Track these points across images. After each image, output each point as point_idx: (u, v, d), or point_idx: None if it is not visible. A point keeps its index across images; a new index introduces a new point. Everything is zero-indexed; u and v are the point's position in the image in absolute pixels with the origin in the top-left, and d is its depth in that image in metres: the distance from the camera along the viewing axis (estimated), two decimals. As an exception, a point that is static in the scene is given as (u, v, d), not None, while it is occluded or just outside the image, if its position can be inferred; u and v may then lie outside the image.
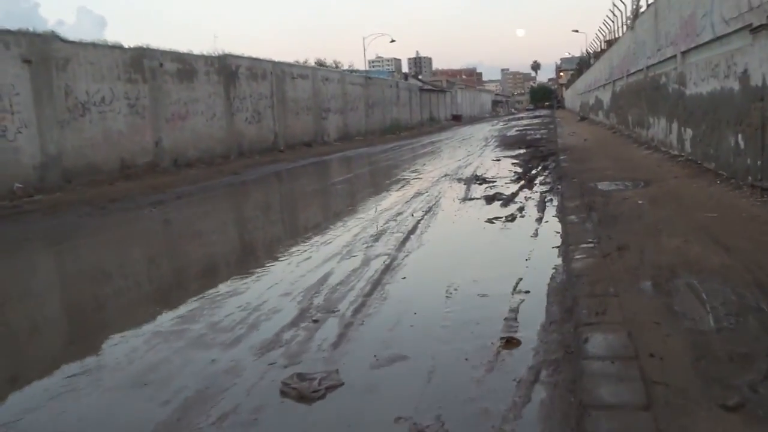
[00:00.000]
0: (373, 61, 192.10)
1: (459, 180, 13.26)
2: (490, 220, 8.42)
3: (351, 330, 4.51)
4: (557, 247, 6.56)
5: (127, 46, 17.72)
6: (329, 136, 31.82)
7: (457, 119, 65.63)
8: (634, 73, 18.72)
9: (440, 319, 4.63)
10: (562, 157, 15.54)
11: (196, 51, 21.31)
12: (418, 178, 14.41)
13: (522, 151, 20.02)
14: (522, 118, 65.72)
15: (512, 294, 5.07)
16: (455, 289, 5.31)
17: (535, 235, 7.41)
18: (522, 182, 12.17)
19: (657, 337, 3.56)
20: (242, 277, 6.30)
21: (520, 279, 5.44)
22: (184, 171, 18.78)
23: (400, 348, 4.10)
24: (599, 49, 35.91)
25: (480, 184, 12.44)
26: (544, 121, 50.45)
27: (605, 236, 6.22)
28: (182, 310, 5.29)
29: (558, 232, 7.28)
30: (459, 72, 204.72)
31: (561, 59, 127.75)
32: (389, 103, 43.62)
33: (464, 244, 7.38)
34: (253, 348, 4.28)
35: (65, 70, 15.10)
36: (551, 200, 9.72)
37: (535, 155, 17.80)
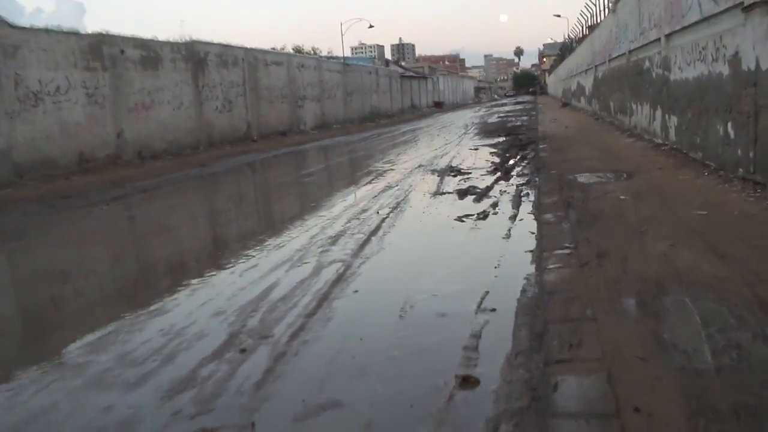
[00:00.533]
0: (355, 48, 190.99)
1: (433, 171, 12.54)
2: (460, 219, 7.72)
3: (282, 363, 3.79)
4: (531, 251, 5.87)
5: (84, 32, 16.76)
6: (306, 125, 30.98)
7: (439, 106, 64.87)
8: (616, 57, 18.07)
9: (389, 347, 3.93)
10: (541, 146, 14.88)
11: (162, 37, 20.39)
12: (391, 169, 13.69)
13: (501, 139, 19.34)
14: (504, 104, 65.10)
15: (476, 313, 4.38)
16: (411, 307, 4.61)
17: (508, 236, 6.72)
18: (498, 174, 11.49)
19: (643, 381, 2.88)
20: (175, 291, 5.55)
21: (487, 293, 4.75)
22: (148, 164, 17.93)
23: (335, 390, 3.39)
24: (581, 34, 35.26)
25: (454, 175, 11.74)
26: (526, 107, 49.85)
27: (583, 240, 5.55)
28: (95, 335, 4.54)
29: (533, 233, 6.60)
30: (442, 58, 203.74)
31: (544, 45, 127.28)
32: (368, 91, 42.76)
33: (429, 248, 6.67)
34: (160, 389, 3.55)
35: (14, 58, 14.17)
36: (527, 194, 9.04)
37: (514, 144, 17.13)
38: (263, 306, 4.87)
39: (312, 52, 49.39)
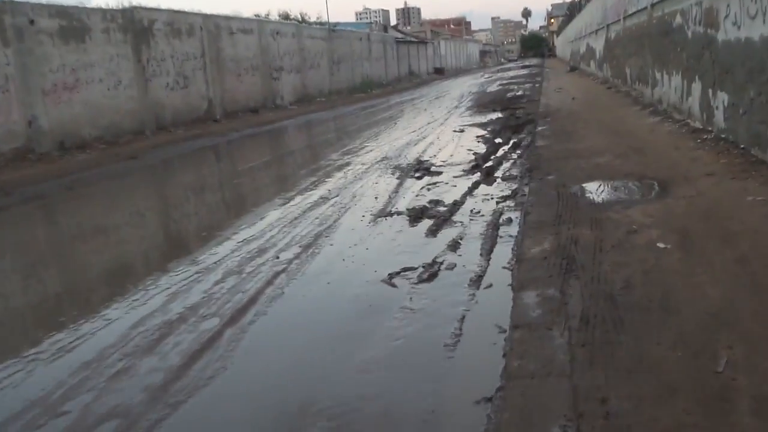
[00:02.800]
0: (360, 13, 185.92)
1: (395, 169, 9.49)
2: (391, 280, 4.67)
3: None
4: (488, 400, 2.82)
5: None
6: (283, 99, 27.76)
7: (440, 72, 61.20)
8: (633, 14, 14.73)
9: None
10: (540, 128, 11.72)
11: (92, 3, 17.19)
12: (347, 164, 10.66)
13: (495, 116, 16.14)
14: (510, 69, 61.32)
15: None
16: None
17: (457, 337, 3.68)
18: (477, 175, 8.41)
19: None
20: None
21: None
22: (70, 156, 14.89)
23: None
24: (590, -10, 31.54)
25: (419, 177, 8.71)
26: (531, 72, 46.21)
27: (595, 397, 2.47)
28: None
29: (500, 329, 3.55)
30: (447, 22, 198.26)
31: (552, 5, 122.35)
32: (359, 58, 39.31)
33: (309, 365, 3.63)
34: None
35: None
36: (509, 221, 5.96)
37: (509, 123, 13.94)
38: None
39: (300, 19, 45.69)
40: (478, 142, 11.73)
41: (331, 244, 5.89)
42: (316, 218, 6.92)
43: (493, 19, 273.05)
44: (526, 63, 75.35)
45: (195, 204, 9.24)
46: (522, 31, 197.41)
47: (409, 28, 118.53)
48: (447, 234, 5.80)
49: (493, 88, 30.35)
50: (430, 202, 7.08)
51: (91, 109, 16.32)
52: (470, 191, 7.47)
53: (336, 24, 43.28)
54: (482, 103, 21.05)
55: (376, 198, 7.63)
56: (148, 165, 13.52)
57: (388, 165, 10.03)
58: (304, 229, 6.50)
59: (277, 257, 5.59)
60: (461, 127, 14.32)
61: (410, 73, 52.86)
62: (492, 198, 7.03)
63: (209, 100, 21.73)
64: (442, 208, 6.74)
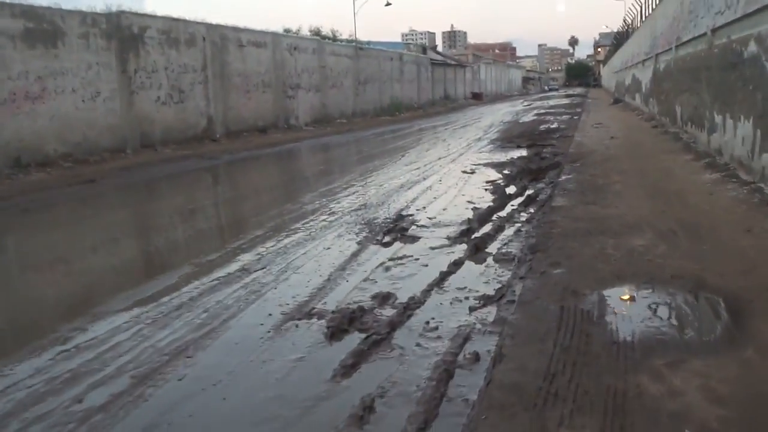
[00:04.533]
0: (406, 35, 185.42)
1: (364, 227, 7.25)
2: None
3: None
4: None
5: None
6: (298, 119, 25.76)
7: (478, 98, 58.86)
8: (689, 41, 12.24)
9: None
10: (565, 177, 9.28)
11: (76, 5, 15.42)
12: (313, 211, 8.48)
13: (518, 154, 13.75)
14: (550, 97, 58.70)
15: None
16: None
17: None
18: (463, 247, 6.05)
19: None
20: None
21: None
22: (23, 175, 12.98)
23: None
24: (640, 17, 28.96)
25: (388, 243, 6.46)
26: (573, 102, 43.66)
27: None
28: None
29: None
30: (492, 47, 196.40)
31: (600, 34, 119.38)
32: (389, 79, 37.27)
33: None
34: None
35: None
36: (472, 361, 3.59)
37: (530, 166, 11.55)
38: None
39: (332, 36, 43.88)
40: (486, 190, 9.37)
41: (179, 379, 3.59)
42: (204, 312, 4.65)
43: (539, 45, 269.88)
44: (570, 92, 72.59)
45: (73, 270, 7.04)
46: (568, 60, 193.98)
47: (454, 51, 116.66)
48: (366, 377, 3.47)
49: (528, 117, 27.92)
50: (376, 297, 4.75)
51: (59, 122, 14.44)
52: (442, 279, 5.12)
53: (368, 42, 41.37)
54: (509, 136, 18.64)
55: (308, 281, 5.31)
56: (97, 192, 11.47)
57: (360, 219, 7.73)
58: (171, 335, 4.23)
59: (80, 401, 3.32)
60: (473, 167, 11.97)
61: (446, 96, 50.69)
62: (466, 299, 4.67)
63: (209, 117, 19.78)
64: (386, 313, 4.42)
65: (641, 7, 27.26)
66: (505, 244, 6.13)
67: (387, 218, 7.68)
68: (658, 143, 13.01)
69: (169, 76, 18.23)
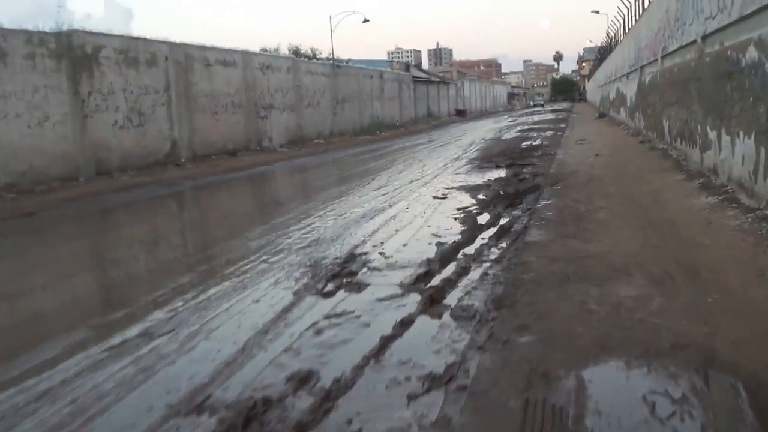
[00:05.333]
0: (392, 52, 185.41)
1: (307, 271, 6.23)
2: None
3: None
4: None
5: None
6: (271, 141, 24.74)
7: (462, 114, 58.13)
8: (675, 51, 11.34)
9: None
10: (543, 203, 8.27)
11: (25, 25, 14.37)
12: (256, 250, 7.43)
13: (495, 175, 12.76)
14: (535, 113, 58.09)
15: None
16: None
17: None
18: (417, 299, 4.99)
19: None
20: None
21: None
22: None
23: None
24: (623, 29, 28.23)
25: (329, 293, 5.41)
26: (558, 116, 42.96)
27: None
28: None
29: None
30: (477, 63, 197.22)
31: (584, 49, 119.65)
32: (368, 98, 36.36)
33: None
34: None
35: None
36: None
37: (507, 189, 10.53)
38: None
39: (311, 54, 43.02)
40: (455, 219, 8.34)
41: None
42: (70, 404, 3.60)
43: (525, 61, 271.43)
44: (555, 107, 72.13)
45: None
46: (553, 75, 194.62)
47: (439, 68, 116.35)
48: None
49: (511, 134, 27.05)
50: (292, 378, 3.69)
51: (0, 150, 13.28)
52: (382, 348, 4.06)
53: (347, 61, 40.53)
54: (489, 154, 17.67)
55: (218, 352, 4.23)
56: (29, 228, 10.33)
57: (307, 259, 6.66)
58: (7, 444, 3.12)
59: None
60: (446, 192, 10.95)
61: (429, 114, 49.90)
62: (407, 379, 3.60)
63: (173, 141, 18.71)
64: (299, 405, 3.36)
65: (624, 19, 26.55)
66: (467, 293, 5.07)
67: (337, 258, 6.62)
68: (645, 161, 12.05)
69: (128, 98, 17.18)
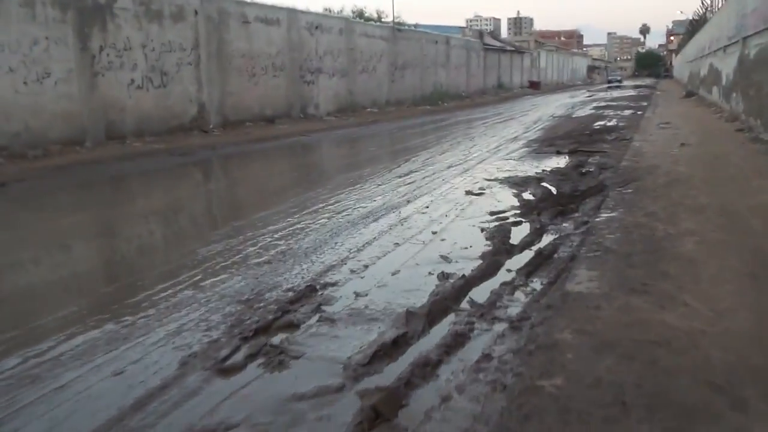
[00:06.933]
0: (471, 20, 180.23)
1: (234, 316, 4.16)
2: None
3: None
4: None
5: None
6: (318, 108, 22.76)
7: (535, 87, 54.67)
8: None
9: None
10: (606, 215, 5.97)
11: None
12: (164, 285, 5.38)
13: (552, 164, 10.40)
14: (616, 87, 54.09)
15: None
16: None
17: None
18: (366, 387, 2.80)
19: None
20: None
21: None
22: None
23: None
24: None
25: (234, 368, 3.41)
26: (640, 93, 39.39)
27: None
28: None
29: None
30: (557, 34, 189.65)
31: (673, 21, 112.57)
32: (432, 65, 33.85)
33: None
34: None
35: None
36: None
37: (561, 188, 8.18)
38: None
39: (377, 17, 40.60)
40: (482, 231, 6.15)
41: None
42: None
43: (609, 34, 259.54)
44: (638, 83, 67.44)
45: None
46: (638, 49, 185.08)
47: (518, 38, 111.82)
48: None
49: (584, 111, 24.20)
50: None
51: (-11, 108, 11.73)
52: None
53: (415, 25, 37.99)
54: (553, 136, 15.16)
55: None
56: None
57: (247, 289, 4.69)
58: None
59: None
60: (486, 185, 8.70)
61: (499, 85, 46.92)
62: None
63: (200, 105, 16.95)
64: None
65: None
66: (442, 406, 2.89)
67: (289, 290, 4.57)
68: (747, 157, 9.40)
69: (148, 56, 15.45)
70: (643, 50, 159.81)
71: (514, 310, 4.01)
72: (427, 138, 16.08)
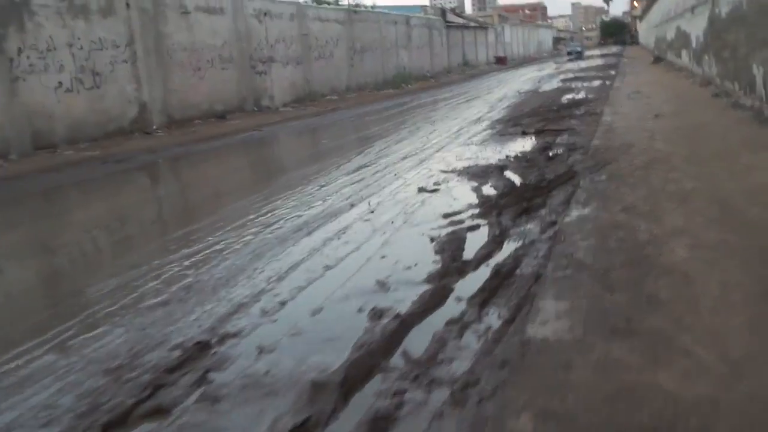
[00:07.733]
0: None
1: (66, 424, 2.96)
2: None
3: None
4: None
5: None
6: (273, 100, 21.54)
7: (502, 62, 53.63)
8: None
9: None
10: (575, 215, 4.96)
11: None
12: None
13: (518, 148, 9.43)
14: (578, 59, 53.22)
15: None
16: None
17: None
18: None
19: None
20: None
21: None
22: None
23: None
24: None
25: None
26: (607, 62, 38.54)
27: None
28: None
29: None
30: (521, 7, 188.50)
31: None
32: (392, 47, 32.65)
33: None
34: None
35: None
36: None
37: (527, 175, 7.22)
38: None
39: (333, 0, 39.18)
40: (432, 240, 5.16)
41: None
42: None
43: (573, 4, 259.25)
44: (604, 51, 66.71)
45: None
46: (602, 17, 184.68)
47: (480, 13, 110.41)
48: None
49: (551, 85, 23.27)
50: None
51: None
52: None
53: (372, 6, 36.70)
54: (519, 114, 14.18)
55: None
56: None
57: (122, 351, 3.68)
58: None
59: None
60: (442, 178, 7.67)
61: (465, 63, 45.83)
62: None
63: (141, 105, 15.69)
64: None
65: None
66: None
67: (176, 346, 3.52)
68: (731, 127, 8.47)
69: (76, 56, 14.14)
70: (608, 18, 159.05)
71: (459, 368, 3.01)
72: (385, 125, 15.01)
